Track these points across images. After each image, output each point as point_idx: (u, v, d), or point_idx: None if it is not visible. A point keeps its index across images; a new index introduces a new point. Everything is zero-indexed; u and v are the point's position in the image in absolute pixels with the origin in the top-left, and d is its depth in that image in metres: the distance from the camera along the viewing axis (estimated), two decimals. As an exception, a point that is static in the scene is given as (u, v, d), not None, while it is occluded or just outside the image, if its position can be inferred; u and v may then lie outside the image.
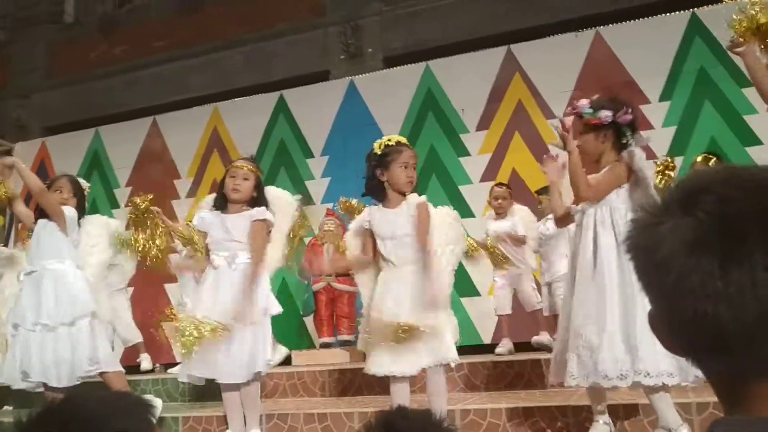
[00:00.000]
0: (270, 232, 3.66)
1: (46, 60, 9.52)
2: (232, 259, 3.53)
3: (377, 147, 3.30)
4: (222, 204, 3.66)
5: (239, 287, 3.44)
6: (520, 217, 5.48)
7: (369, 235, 3.32)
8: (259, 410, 3.69)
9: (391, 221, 3.24)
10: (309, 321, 6.66)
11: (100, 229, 4.10)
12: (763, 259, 0.64)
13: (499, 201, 5.51)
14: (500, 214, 5.52)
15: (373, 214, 3.31)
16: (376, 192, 3.32)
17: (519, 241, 5.42)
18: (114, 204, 8.29)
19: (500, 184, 5.64)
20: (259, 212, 3.60)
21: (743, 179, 0.70)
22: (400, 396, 3.16)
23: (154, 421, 0.99)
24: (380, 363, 3.13)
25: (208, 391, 4.97)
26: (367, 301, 3.34)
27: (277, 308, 3.58)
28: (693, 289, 0.66)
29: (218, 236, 3.58)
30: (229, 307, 3.40)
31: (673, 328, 0.72)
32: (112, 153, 8.52)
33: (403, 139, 3.37)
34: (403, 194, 3.28)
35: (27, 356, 3.72)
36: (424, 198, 3.30)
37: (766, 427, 0.66)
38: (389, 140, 3.32)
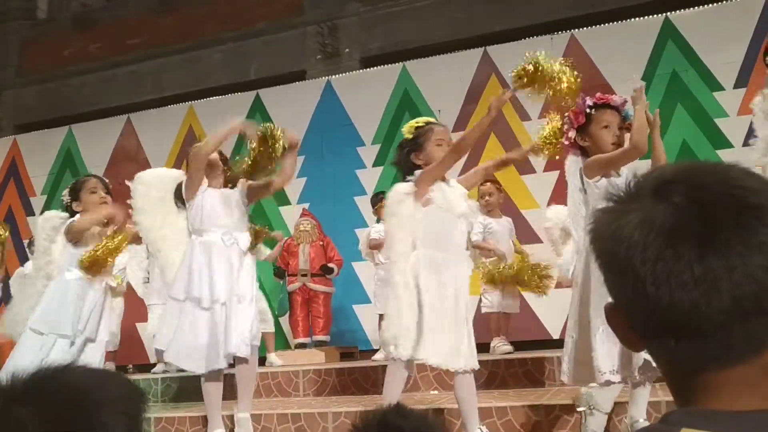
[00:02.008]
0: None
1: (18, 56, 9.38)
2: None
3: (406, 132, 3.13)
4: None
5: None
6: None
7: None
8: (252, 391, 3.64)
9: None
10: (284, 321, 6.64)
11: None
12: (738, 245, 0.65)
13: (486, 198, 5.28)
14: (491, 211, 5.30)
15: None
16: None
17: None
18: (87, 203, 8.19)
19: (485, 182, 5.10)
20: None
21: (707, 171, 0.71)
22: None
23: (146, 409, 0.96)
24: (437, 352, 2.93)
25: (181, 392, 4.95)
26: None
27: None
28: (669, 276, 0.66)
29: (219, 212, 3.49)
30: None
31: (640, 317, 0.71)
32: (85, 151, 8.42)
33: (432, 119, 3.21)
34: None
35: None
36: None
37: (725, 423, 0.66)
38: (417, 122, 3.17)
